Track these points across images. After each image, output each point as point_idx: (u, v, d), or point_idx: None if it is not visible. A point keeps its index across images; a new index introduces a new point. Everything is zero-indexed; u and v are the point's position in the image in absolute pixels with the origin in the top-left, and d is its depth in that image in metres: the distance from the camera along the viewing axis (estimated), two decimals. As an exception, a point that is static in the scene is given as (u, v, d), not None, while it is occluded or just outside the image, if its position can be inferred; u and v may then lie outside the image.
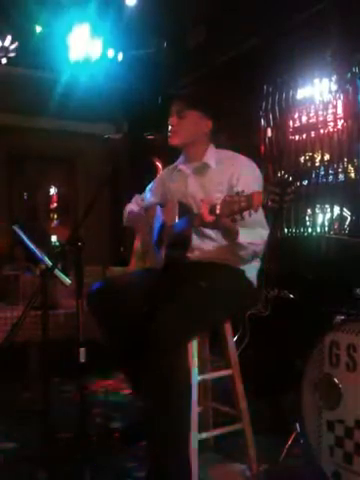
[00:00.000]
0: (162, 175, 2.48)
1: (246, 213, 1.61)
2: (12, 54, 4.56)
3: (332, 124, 3.45)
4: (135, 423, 2.40)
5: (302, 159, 3.66)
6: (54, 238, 5.85)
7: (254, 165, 2.17)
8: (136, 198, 2.53)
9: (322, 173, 3.49)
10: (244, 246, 1.95)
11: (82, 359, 1.79)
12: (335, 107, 3.43)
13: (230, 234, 1.89)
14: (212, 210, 1.71)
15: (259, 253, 2.09)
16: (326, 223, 3.44)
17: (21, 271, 3.59)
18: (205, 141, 2.23)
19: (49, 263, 2.13)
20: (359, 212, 3.21)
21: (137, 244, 2.45)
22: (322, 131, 3.52)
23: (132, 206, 2.48)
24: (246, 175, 2.08)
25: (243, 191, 1.64)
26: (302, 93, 3.68)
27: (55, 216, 6.14)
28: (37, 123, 5.40)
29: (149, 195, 2.47)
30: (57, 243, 5.66)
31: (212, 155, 2.21)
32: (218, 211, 1.68)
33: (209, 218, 1.72)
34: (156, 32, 4.86)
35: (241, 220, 1.65)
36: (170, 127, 2.19)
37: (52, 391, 2.40)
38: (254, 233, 1.98)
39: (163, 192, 2.39)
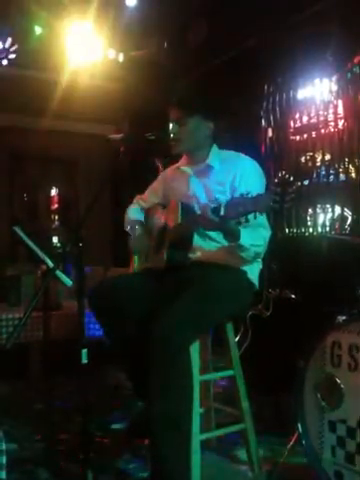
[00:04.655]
0: (165, 175, 2.47)
1: (251, 215, 1.60)
2: (13, 55, 4.56)
3: (333, 124, 3.44)
4: (137, 423, 2.41)
5: (303, 159, 3.66)
6: (55, 239, 5.85)
7: (257, 166, 2.16)
8: (137, 199, 2.53)
9: (323, 173, 3.49)
10: (246, 248, 1.94)
11: (84, 360, 1.79)
12: (336, 107, 3.43)
13: (232, 236, 1.89)
14: (216, 211, 1.70)
15: (261, 254, 2.09)
16: (327, 223, 3.44)
17: (23, 272, 3.59)
18: (208, 143, 2.23)
19: (50, 264, 2.14)
20: (360, 212, 3.20)
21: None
22: (323, 131, 3.52)
23: (133, 212, 2.47)
24: (249, 176, 2.08)
25: (248, 193, 1.63)
26: (303, 93, 3.68)
27: (56, 217, 6.15)
28: (38, 124, 5.40)
29: (151, 195, 2.47)
30: (58, 244, 5.67)
31: (215, 156, 2.20)
32: (223, 213, 1.67)
33: (213, 219, 1.71)
34: (156, 32, 4.87)
35: (246, 222, 1.65)
36: (172, 135, 2.17)
37: (54, 392, 2.41)
38: (256, 234, 1.97)
39: (165, 192, 2.38)
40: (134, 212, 2.46)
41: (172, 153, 2.23)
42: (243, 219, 1.63)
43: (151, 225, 2.34)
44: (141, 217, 2.43)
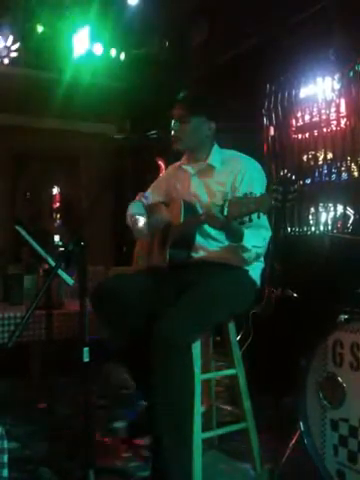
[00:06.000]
0: (167, 173, 2.47)
1: (255, 215, 1.60)
2: (14, 54, 4.57)
3: (335, 122, 3.44)
4: (139, 422, 2.41)
5: (305, 158, 3.65)
6: (57, 238, 5.85)
7: (258, 165, 2.17)
8: (139, 196, 2.52)
9: (325, 172, 3.48)
10: (248, 249, 1.95)
11: (86, 358, 1.79)
12: (338, 105, 3.42)
13: (236, 237, 1.89)
14: (220, 210, 1.70)
15: (261, 255, 2.09)
16: (329, 222, 3.44)
17: (25, 271, 3.59)
18: (209, 142, 2.23)
19: (53, 263, 2.14)
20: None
21: (140, 243, 2.44)
22: (325, 130, 3.51)
23: (135, 207, 2.47)
24: (250, 176, 2.08)
25: (251, 193, 1.63)
26: (305, 92, 3.67)
27: (58, 216, 6.14)
28: (40, 123, 5.40)
29: (153, 192, 2.47)
30: (60, 243, 5.67)
31: (216, 156, 2.21)
32: (226, 212, 1.67)
33: (219, 217, 1.71)
34: (158, 31, 4.87)
35: (249, 222, 1.65)
36: (173, 132, 2.19)
37: (55, 390, 2.41)
38: (258, 235, 1.98)
39: (167, 190, 2.38)
40: (136, 207, 2.46)
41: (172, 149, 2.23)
42: (247, 219, 1.63)
43: (153, 222, 2.34)
44: (143, 212, 2.42)
